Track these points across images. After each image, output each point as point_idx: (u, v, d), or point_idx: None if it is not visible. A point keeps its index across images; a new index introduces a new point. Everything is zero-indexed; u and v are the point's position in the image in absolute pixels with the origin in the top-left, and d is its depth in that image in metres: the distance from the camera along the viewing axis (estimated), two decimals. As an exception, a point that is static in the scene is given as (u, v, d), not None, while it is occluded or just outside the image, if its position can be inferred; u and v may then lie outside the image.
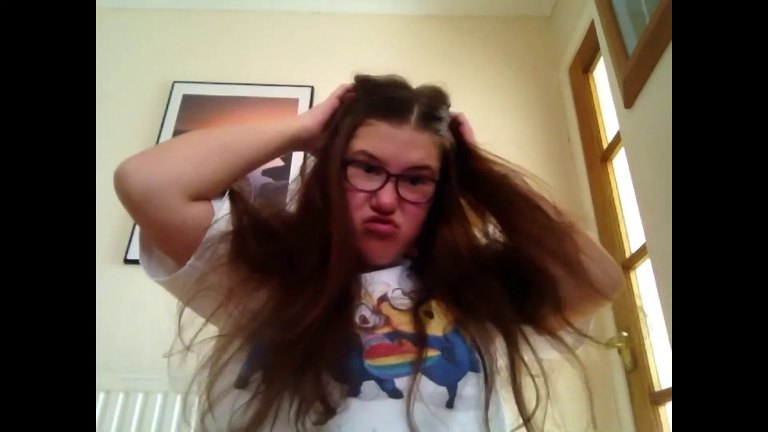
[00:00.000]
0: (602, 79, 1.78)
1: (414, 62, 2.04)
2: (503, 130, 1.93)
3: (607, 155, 1.71)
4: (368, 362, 0.55)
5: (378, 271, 0.65)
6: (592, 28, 1.71)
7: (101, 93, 1.75)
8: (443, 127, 0.68)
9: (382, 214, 0.62)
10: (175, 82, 1.99)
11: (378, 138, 0.63)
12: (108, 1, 2.11)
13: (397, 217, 0.63)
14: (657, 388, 1.34)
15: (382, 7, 2.19)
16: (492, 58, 2.09)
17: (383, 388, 0.53)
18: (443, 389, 0.55)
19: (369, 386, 0.53)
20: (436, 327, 0.60)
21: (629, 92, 1.29)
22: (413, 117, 0.64)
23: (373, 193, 0.63)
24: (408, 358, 0.55)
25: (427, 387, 0.54)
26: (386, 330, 0.58)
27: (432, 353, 0.56)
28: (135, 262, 1.67)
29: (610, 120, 1.74)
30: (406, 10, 2.19)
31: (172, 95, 1.97)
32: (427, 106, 0.66)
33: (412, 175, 0.64)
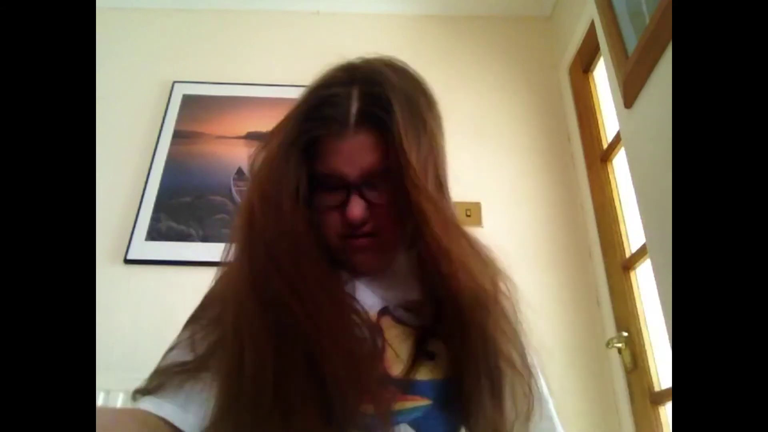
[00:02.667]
0: (602, 79, 1.78)
1: (414, 62, 2.03)
2: (503, 129, 1.93)
3: (607, 155, 1.71)
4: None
5: (374, 277, 0.62)
6: (592, 29, 1.71)
7: (101, 93, 1.75)
8: (388, 111, 0.58)
9: (355, 228, 0.58)
10: (175, 82, 2.00)
11: (326, 154, 0.58)
12: (108, 1, 2.11)
13: (372, 225, 0.58)
14: (657, 388, 1.34)
15: (382, 7, 2.19)
16: (492, 58, 2.09)
17: None
18: None
19: None
20: (434, 369, 0.54)
21: (629, 92, 1.29)
22: (351, 120, 0.57)
23: (339, 207, 0.58)
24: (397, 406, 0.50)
25: None
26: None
27: (421, 402, 0.51)
28: (135, 262, 1.68)
29: (610, 120, 1.75)
30: (406, 10, 2.19)
31: (172, 95, 1.97)
32: (362, 100, 0.59)
33: (370, 182, 0.58)
